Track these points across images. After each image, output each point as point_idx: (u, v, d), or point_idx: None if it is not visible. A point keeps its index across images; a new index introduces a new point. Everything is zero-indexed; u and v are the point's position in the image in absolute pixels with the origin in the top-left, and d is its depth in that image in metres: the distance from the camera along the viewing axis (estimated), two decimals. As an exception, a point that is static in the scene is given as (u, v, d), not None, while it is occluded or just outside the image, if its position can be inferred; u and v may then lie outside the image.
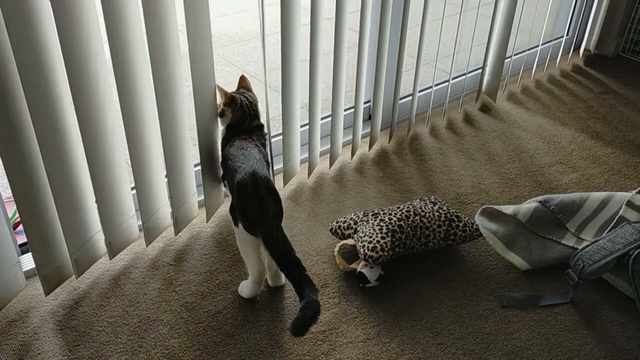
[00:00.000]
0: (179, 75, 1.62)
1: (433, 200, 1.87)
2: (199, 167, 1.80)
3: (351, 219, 1.78)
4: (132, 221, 1.75)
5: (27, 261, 1.70)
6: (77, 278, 1.67)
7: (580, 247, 1.67)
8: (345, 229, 1.78)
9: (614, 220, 1.77)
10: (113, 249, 1.71)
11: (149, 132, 1.64)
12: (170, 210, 1.80)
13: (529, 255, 1.78)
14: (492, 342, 1.55)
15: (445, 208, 1.80)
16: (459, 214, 1.78)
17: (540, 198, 1.88)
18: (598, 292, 1.70)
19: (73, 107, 1.45)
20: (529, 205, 1.87)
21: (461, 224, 1.76)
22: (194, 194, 1.85)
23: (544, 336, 1.57)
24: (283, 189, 2.06)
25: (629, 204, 1.78)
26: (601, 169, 2.22)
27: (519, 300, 1.67)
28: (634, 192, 1.81)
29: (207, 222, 1.89)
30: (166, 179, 1.76)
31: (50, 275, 1.61)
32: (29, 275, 1.68)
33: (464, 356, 1.51)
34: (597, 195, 1.87)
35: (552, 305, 1.66)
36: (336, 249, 1.76)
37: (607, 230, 1.76)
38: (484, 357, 1.51)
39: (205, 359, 1.48)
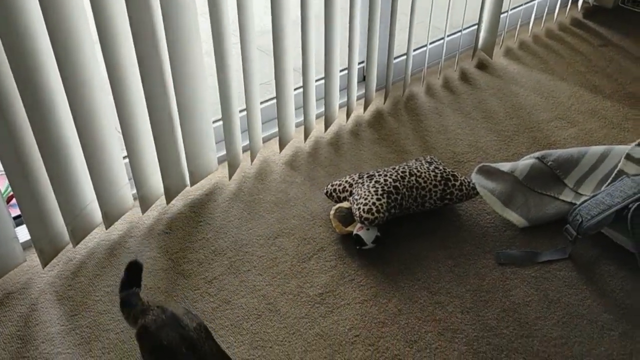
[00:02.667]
0: (163, 42, 1.58)
1: (429, 160, 1.85)
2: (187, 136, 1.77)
3: (346, 181, 1.77)
4: (126, 190, 1.74)
5: (23, 234, 1.69)
6: (74, 247, 1.67)
7: (578, 202, 1.65)
8: (340, 192, 1.76)
9: (613, 174, 1.74)
10: (108, 219, 1.71)
11: (136, 100, 1.61)
12: (161, 179, 1.78)
13: (527, 212, 1.76)
14: (489, 300, 1.55)
15: (441, 167, 1.77)
16: (455, 173, 1.76)
17: (537, 154, 1.85)
18: (597, 247, 1.69)
19: (59, 76, 1.42)
20: (527, 162, 1.84)
21: (457, 183, 1.74)
22: (183, 162, 1.83)
23: (542, 292, 1.56)
24: (279, 154, 2.04)
25: (628, 157, 1.75)
26: (600, 123, 2.18)
27: (516, 257, 1.66)
28: (633, 144, 1.78)
29: (190, 186, 1.88)
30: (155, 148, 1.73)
31: (46, 247, 1.61)
32: (25, 247, 1.67)
33: (462, 314, 1.51)
34: (596, 149, 1.84)
35: (550, 262, 1.65)
36: (332, 212, 1.75)
37: (605, 185, 1.74)
38: (482, 314, 1.51)
39: (203, 325, 1.48)
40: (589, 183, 1.79)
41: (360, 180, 1.74)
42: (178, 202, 1.84)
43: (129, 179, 1.77)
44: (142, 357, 1.24)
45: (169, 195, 1.81)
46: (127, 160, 1.71)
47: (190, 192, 1.88)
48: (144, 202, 1.76)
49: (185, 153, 1.79)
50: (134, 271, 1.36)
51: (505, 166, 1.85)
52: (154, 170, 1.76)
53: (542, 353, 1.42)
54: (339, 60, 2.06)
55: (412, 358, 1.41)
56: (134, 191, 1.78)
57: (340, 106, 2.23)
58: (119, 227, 1.76)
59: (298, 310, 1.52)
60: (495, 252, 1.67)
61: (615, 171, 1.75)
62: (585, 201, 1.62)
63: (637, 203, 1.52)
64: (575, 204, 1.72)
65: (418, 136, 2.13)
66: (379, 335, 1.46)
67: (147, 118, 1.65)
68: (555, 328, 1.48)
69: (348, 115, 2.20)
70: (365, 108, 2.25)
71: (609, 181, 1.74)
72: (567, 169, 1.82)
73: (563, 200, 1.78)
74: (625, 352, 1.42)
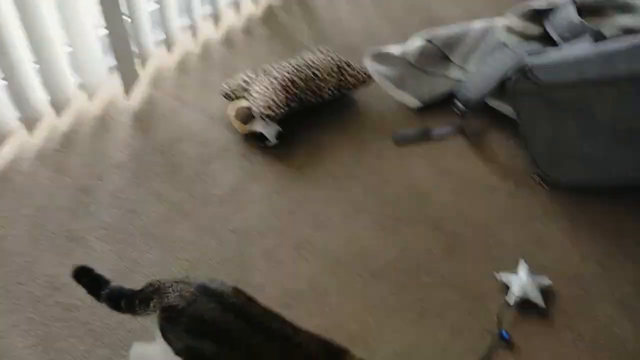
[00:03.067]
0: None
1: (322, 51, 1.85)
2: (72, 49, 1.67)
3: (243, 80, 1.75)
4: (6, 112, 1.64)
5: None
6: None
7: (465, 78, 1.73)
8: (238, 92, 1.74)
9: (496, 47, 1.82)
10: (-7, 144, 1.62)
11: (4, 16, 1.48)
12: (48, 95, 1.68)
13: (419, 93, 1.83)
14: (390, 178, 1.63)
15: (335, 57, 1.78)
16: (349, 61, 1.78)
17: (425, 35, 1.90)
18: (484, 118, 1.79)
19: None
20: (416, 44, 1.89)
21: (353, 71, 1.77)
22: (68, 75, 1.73)
23: (436, 165, 1.66)
24: (169, 60, 1.97)
25: (509, 29, 1.83)
26: (485, 1, 2.25)
27: (411, 136, 1.74)
28: (511, 15, 1.84)
29: (88, 101, 1.81)
30: (36, 65, 1.63)
31: None
32: None
33: (364, 194, 1.58)
34: (478, 26, 1.91)
35: (442, 137, 1.74)
36: (232, 112, 1.74)
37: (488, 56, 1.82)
38: (384, 192, 1.59)
39: (112, 235, 1.47)
40: (473, 58, 1.87)
41: (257, 77, 1.73)
42: (69, 119, 1.76)
43: (10, 100, 1.67)
44: (173, 343, 0.99)
45: (58, 111, 1.72)
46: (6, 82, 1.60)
47: (82, 108, 1.80)
48: (30, 122, 1.67)
49: (71, 65, 1.69)
50: (87, 275, 1.11)
51: (396, 50, 1.89)
52: (35, 86, 1.66)
53: (440, 220, 1.53)
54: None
55: (320, 239, 1.48)
56: (17, 113, 1.67)
57: (230, 5, 2.16)
58: (7, 150, 1.67)
59: (208, 211, 1.54)
60: (392, 133, 1.75)
61: (498, 44, 1.83)
62: (471, 76, 1.70)
63: (517, 72, 1.62)
64: (462, 80, 1.80)
65: (312, 29, 2.12)
66: (288, 223, 1.52)
67: (21, 31, 1.53)
68: (450, 195, 1.59)
69: (238, 12, 2.14)
70: (256, 4, 2.19)
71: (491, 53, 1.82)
72: (453, 47, 1.89)
73: (451, 78, 1.86)
74: (488, 207, 1.56)
